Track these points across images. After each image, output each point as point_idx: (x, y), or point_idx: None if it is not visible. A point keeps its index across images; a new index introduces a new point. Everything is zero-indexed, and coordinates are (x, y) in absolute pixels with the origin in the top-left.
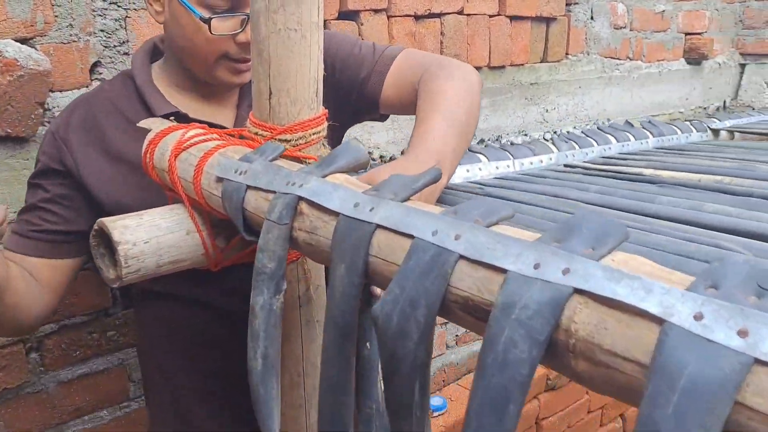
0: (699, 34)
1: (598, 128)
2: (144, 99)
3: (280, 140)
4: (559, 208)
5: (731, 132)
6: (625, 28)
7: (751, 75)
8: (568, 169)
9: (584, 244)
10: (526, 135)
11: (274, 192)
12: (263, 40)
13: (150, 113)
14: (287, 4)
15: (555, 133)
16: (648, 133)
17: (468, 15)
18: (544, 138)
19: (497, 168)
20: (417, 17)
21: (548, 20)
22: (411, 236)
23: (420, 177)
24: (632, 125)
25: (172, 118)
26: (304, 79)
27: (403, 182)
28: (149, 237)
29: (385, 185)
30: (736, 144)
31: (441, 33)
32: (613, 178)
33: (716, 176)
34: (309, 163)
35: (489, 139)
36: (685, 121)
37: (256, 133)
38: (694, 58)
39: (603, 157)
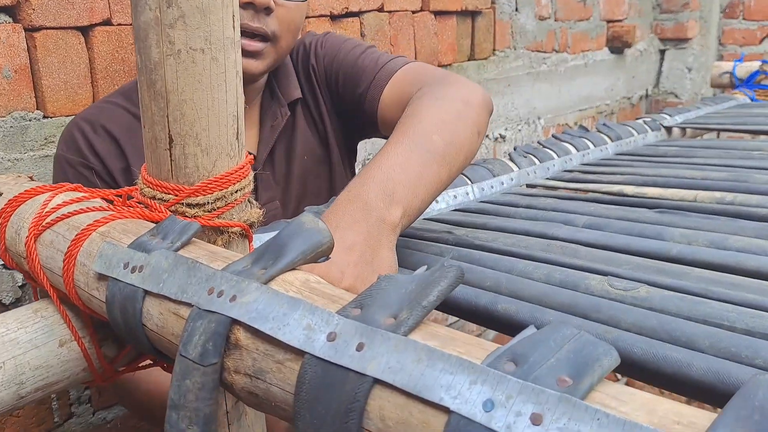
0: (620, 21)
1: (554, 137)
2: None
3: (188, 205)
4: (560, 260)
5: (683, 128)
6: (549, 18)
7: (671, 61)
8: (533, 190)
9: None
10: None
11: (190, 306)
12: (156, 66)
13: None
14: (189, 14)
15: (514, 148)
16: (606, 137)
17: (389, 12)
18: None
19: (455, 197)
20: (333, 17)
21: (473, 14)
22: (444, 409)
23: (433, 283)
24: (587, 129)
25: None
26: (219, 118)
27: (406, 293)
28: (2, 360)
29: (376, 298)
30: (701, 144)
31: (361, 34)
32: (596, 201)
33: (713, 192)
34: (231, 234)
35: None
36: (637, 118)
37: (153, 197)
38: (617, 46)
39: (565, 171)
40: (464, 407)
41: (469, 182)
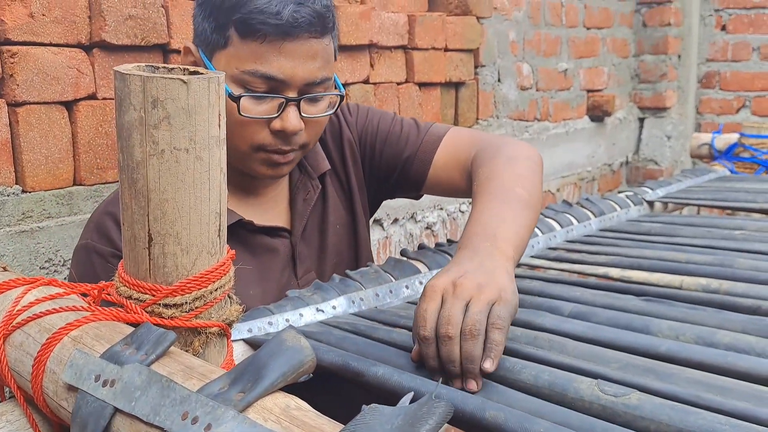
0: (600, 90)
1: None
2: None
3: (166, 306)
4: (548, 358)
5: (665, 203)
6: (531, 88)
7: (650, 129)
8: (519, 270)
9: None
10: (441, 209)
11: (163, 430)
12: (138, 165)
13: None
14: (174, 115)
15: None
16: (589, 213)
17: (375, 84)
18: (460, 210)
19: None
20: None
21: (457, 85)
22: None
23: (420, 419)
24: (570, 204)
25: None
26: (201, 217)
27: (391, 429)
28: None
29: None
30: (683, 221)
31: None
32: (581, 285)
33: (698, 278)
34: (210, 335)
35: (403, 218)
36: (619, 193)
37: (129, 297)
38: (598, 115)
39: (550, 248)
40: None
41: None
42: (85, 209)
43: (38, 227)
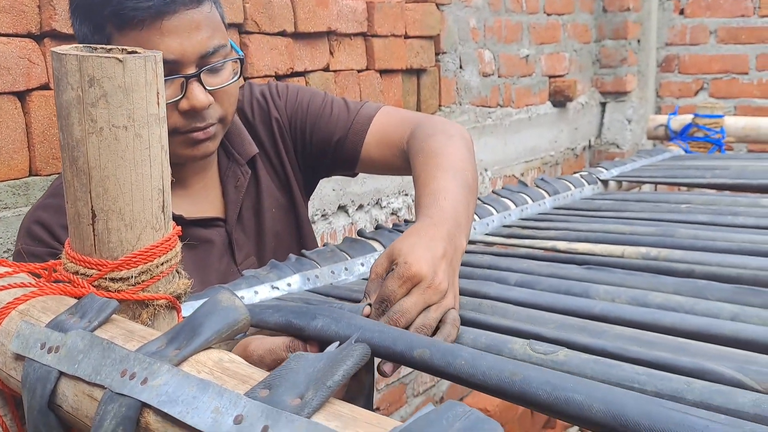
0: (561, 76)
1: (494, 192)
2: None
3: (112, 279)
4: (489, 322)
5: (619, 181)
6: (493, 75)
7: (612, 113)
8: (472, 246)
9: None
10: (406, 194)
11: (104, 388)
12: (78, 143)
13: None
14: (111, 93)
15: None
16: (543, 192)
17: (335, 71)
18: None
19: None
20: (278, 77)
21: (419, 72)
22: None
23: (339, 362)
24: (526, 184)
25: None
26: (144, 193)
27: (314, 372)
28: None
29: (284, 378)
30: (634, 197)
31: None
32: (529, 257)
33: (639, 247)
34: (158, 307)
35: (368, 204)
36: (574, 173)
37: (76, 273)
38: (560, 100)
39: (504, 226)
40: None
41: None
42: None
43: None
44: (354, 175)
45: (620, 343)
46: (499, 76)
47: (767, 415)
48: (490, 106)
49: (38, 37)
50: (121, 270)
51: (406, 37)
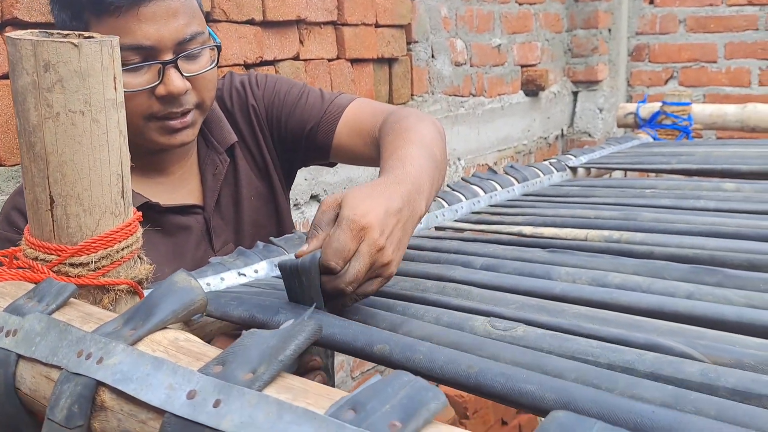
0: (534, 65)
1: (463, 179)
2: None
3: (72, 265)
4: (452, 303)
5: (588, 168)
6: (465, 64)
7: (583, 102)
8: (441, 233)
9: None
10: None
11: (60, 369)
12: (35, 129)
13: None
14: (67, 78)
15: None
16: (513, 179)
17: (305, 60)
18: None
19: None
20: (247, 65)
21: (390, 61)
22: None
23: (291, 337)
24: (496, 172)
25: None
26: (102, 178)
27: (266, 348)
28: None
29: (238, 354)
30: (601, 183)
31: None
32: (496, 242)
33: (602, 231)
34: (119, 292)
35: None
36: (545, 160)
37: (35, 258)
38: (532, 89)
39: (473, 213)
40: None
41: None
42: (7, 189)
43: None
44: (331, 164)
45: (577, 320)
46: (471, 66)
47: (713, 384)
48: (462, 96)
49: None
50: (81, 255)
51: (377, 26)
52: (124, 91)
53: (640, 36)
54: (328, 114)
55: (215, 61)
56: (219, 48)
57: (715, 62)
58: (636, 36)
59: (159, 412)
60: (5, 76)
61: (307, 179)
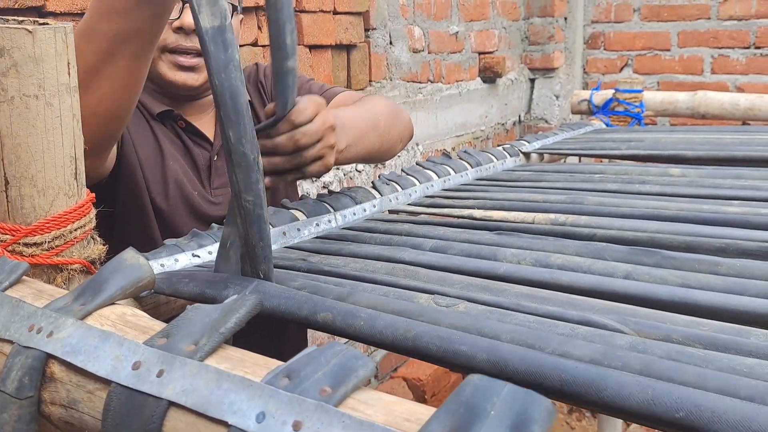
0: (491, 53)
1: (417, 164)
2: (139, 103)
3: (26, 245)
4: (399, 283)
5: (541, 154)
6: (423, 51)
7: (540, 89)
8: (394, 216)
9: None
10: (338, 169)
11: (12, 343)
12: None
13: (147, 114)
14: (21, 63)
15: (378, 176)
16: (466, 164)
17: (264, 46)
18: (357, 169)
19: (317, 225)
20: None
21: (348, 47)
22: (225, 423)
23: (233, 311)
24: (450, 157)
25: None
26: (56, 160)
27: (209, 321)
28: None
29: (181, 327)
30: (552, 168)
31: None
32: (446, 225)
33: (549, 214)
34: (72, 271)
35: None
36: (498, 146)
37: None
38: (489, 76)
39: (427, 196)
40: (241, 421)
41: (331, 210)
42: None
43: None
44: None
45: (517, 299)
46: (429, 53)
47: (641, 355)
48: (420, 82)
49: None
50: (35, 235)
51: (335, 12)
52: None
53: (596, 24)
54: (323, 96)
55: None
56: (234, 7)
57: (668, 50)
58: (591, 24)
59: (106, 382)
60: None
61: None
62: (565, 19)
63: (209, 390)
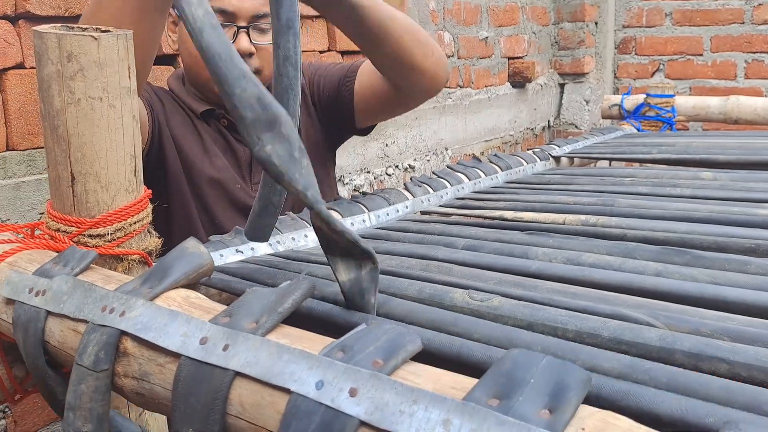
0: (520, 57)
1: (448, 167)
2: (184, 103)
3: (90, 236)
4: (434, 278)
5: (571, 158)
6: (453, 56)
7: (570, 94)
8: (426, 216)
9: (537, 404)
10: (368, 172)
11: (86, 322)
12: (58, 113)
13: (191, 113)
14: (87, 67)
15: (410, 179)
16: (496, 167)
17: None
18: (387, 173)
19: (352, 224)
20: None
21: None
22: (287, 390)
23: (289, 293)
24: (480, 160)
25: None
26: (117, 158)
27: (267, 302)
28: None
29: (242, 307)
30: (582, 172)
31: None
32: (478, 225)
33: (580, 215)
34: (131, 261)
35: None
36: (529, 149)
37: (57, 230)
38: (519, 81)
39: (458, 198)
40: (302, 388)
41: (366, 210)
42: (19, 173)
43: None
44: (362, 132)
45: (549, 294)
46: (458, 58)
47: (670, 347)
48: (450, 87)
49: (13, 19)
50: (98, 227)
51: None
52: None
53: (627, 29)
54: (353, 65)
55: None
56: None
57: (701, 55)
58: (623, 29)
59: (175, 355)
60: (17, 66)
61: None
62: (596, 23)
63: (271, 361)
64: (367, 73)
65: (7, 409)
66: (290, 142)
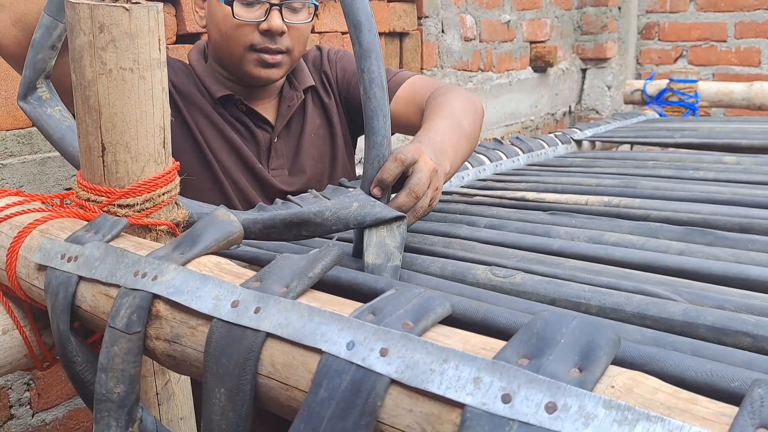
0: (543, 42)
1: None
2: (203, 84)
3: (120, 206)
4: (456, 255)
5: (593, 141)
6: (474, 39)
7: (592, 79)
8: (448, 197)
9: (567, 363)
10: None
11: (119, 287)
12: (89, 83)
13: (209, 97)
14: (119, 38)
15: None
16: (518, 149)
17: (320, 33)
18: None
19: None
20: None
21: (401, 35)
22: (318, 350)
23: (318, 259)
24: (501, 142)
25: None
26: (147, 129)
27: (297, 268)
28: None
29: (273, 272)
30: (604, 155)
31: None
32: (499, 206)
33: (603, 197)
34: (159, 232)
35: None
36: (550, 133)
37: (87, 200)
38: (540, 65)
39: (479, 180)
40: (333, 348)
41: None
42: (45, 149)
43: (2, 164)
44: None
45: (572, 272)
46: (480, 41)
47: (693, 321)
48: (471, 71)
49: None
50: (128, 198)
51: (390, 0)
52: (237, 19)
53: (650, 14)
54: (390, 83)
55: (311, 18)
56: (316, 8)
57: (724, 41)
58: (646, 14)
59: (207, 318)
60: None
61: None
62: (619, 8)
63: (302, 323)
64: (403, 104)
65: (31, 382)
66: None
